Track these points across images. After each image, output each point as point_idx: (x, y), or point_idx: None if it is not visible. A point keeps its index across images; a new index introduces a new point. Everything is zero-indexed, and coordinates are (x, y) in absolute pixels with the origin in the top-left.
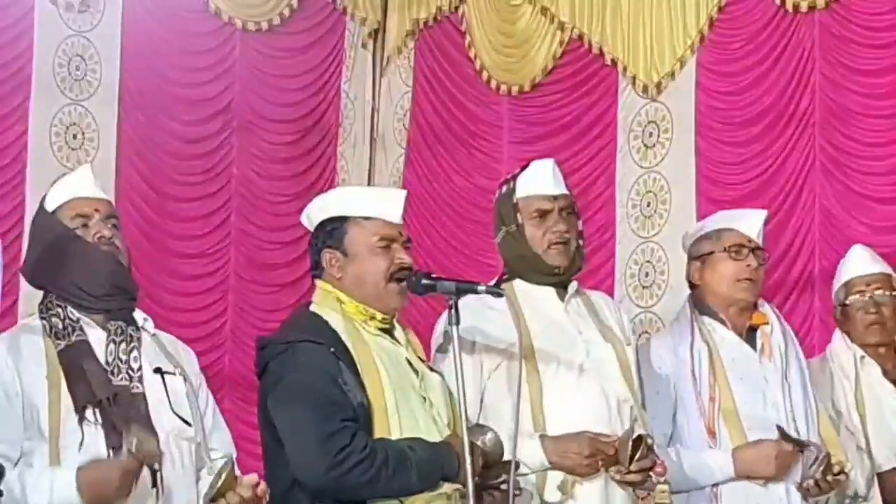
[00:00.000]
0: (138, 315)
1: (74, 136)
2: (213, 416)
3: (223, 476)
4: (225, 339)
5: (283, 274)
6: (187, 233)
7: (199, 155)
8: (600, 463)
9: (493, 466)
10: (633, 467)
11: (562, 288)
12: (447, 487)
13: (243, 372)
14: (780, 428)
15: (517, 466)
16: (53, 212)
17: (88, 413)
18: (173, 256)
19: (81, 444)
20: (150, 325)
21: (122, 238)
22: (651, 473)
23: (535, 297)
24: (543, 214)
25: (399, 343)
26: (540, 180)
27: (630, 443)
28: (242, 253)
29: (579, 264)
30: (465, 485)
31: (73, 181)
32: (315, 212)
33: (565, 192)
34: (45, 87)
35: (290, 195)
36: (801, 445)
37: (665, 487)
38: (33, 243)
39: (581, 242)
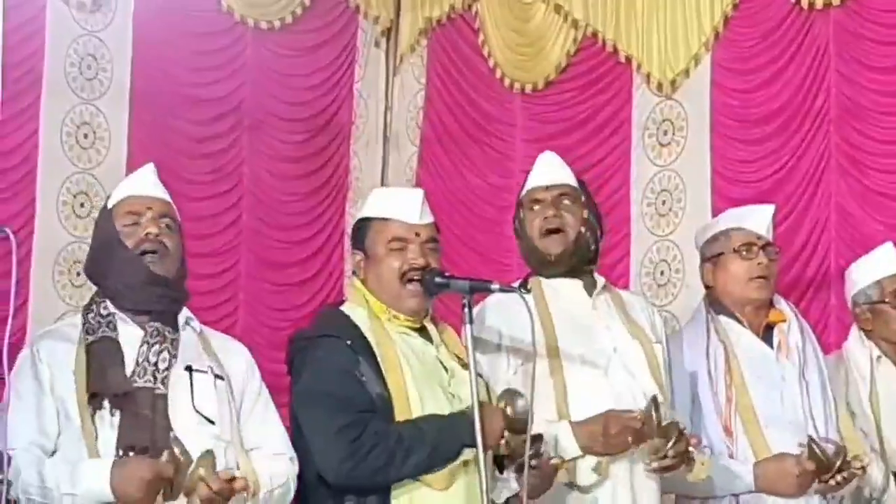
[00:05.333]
0: (183, 314)
1: (85, 136)
2: (263, 413)
3: (199, 470)
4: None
5: (295, 273)
6: (198, 232)
7: (211, 154)
8: (630, 439)
9: (522, 432)
10: (669, 452)
11: (589, 283)
12: (469, 454)
13: None
14: (810, 441)
15: (539, 444)
16: (111, 209)
17: (101, 409)
18: None
19: (97, 439)
20: (195, 323)
21: (174, 237)
22: (689, 449)
23: (561, 292)
24: (537, 203)
25: (431, 342)
26: (536, 174)
27: (654, 412)
28: (253, 252)
29: (584, 253)
30: (486, 450)
31: (132, 179)
32: (357, 212)
33: (562, 181)
34: (57, 87)
35: (302, 194)
36: (826, 459)
37: (704, 459)
38: (93, 238)
39: (584, 230)
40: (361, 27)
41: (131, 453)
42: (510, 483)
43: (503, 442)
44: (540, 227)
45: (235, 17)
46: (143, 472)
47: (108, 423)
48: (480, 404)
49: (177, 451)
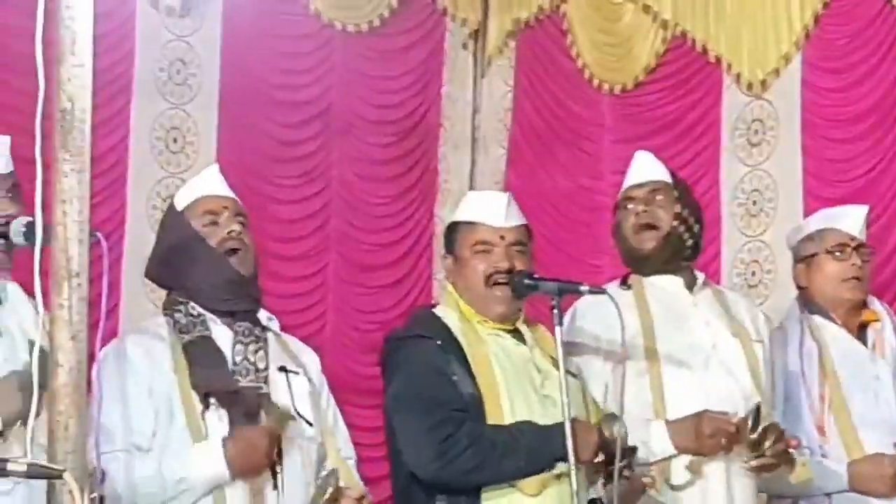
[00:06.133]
0: (263, 315)
1: (175, 140)
2: (334, 417)
3: (328, 491)
4: (325, 342)
5: (383, 276)
6: (286, 235)
7: (299, 158)
8: (724, 441)
9: (617, 455)
10: (767, 452)
11: (689, 279)
12: (562, 467)
13: (343, 374)
14: None
15: (632, 458)
16: (182, 211)
17: (211, 407)
18: (272, 259)
19: (206, 436)
20: (275, 324)
21: (250, 237)
22: (789, 450)
23: (662, 288)
24: (631, 201)
25: (524, 343)
26: (630, 173)
27: (751, 421)
28: (342, 255)
29: (678, 248)
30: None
31: (201, 180)
32: (446, 215)
33: (654, 178)
34: (146, 92)
35: (390, 197)
36: None
37: (805, 460)
38: (161, 242)
39: (676, 224)
40: (449, 30)
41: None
42: (598, 491)
43: (596, 460)
44: (633, 224)
45: (323, 21)
46: (259, 440)
47: (218, 422)
48: (577, 421)
49: (270, 406)
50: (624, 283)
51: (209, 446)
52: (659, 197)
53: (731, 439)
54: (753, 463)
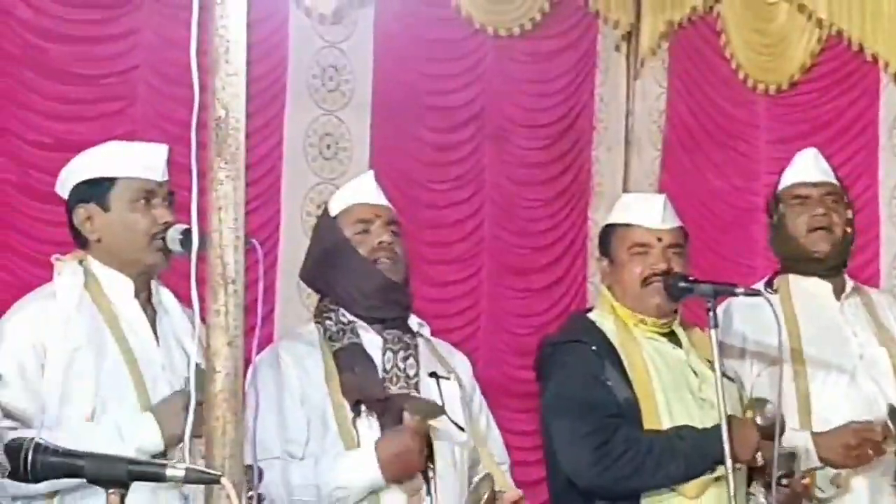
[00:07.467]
0: (413, 321)
1: (328, 147)
2: (486, 421)
3: (485, 495)
4: (478, 346)
5: (536, 279)
6: (439, 239)
7: (451, 162)
8: (869, 451)
9: (772, 438)
10: None
11: (839, 285)
12: (721, 470)
13: (498, 378)
14: None
15: (792, 463)
16: (335, 217)
17: (363, 414)
18: (424, 263)
19: (358, 444)
20: (426, 330)
21: (402, 245)
22: None
23: (809, 293)
24: (803, 200)
25: (680, 346)
26: (800, 169)
27: (891, 422)
28: (495, 258)
29: (845, 253)
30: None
31: (356, 187)
32: (600, 218)
33: (828, 179)
34: (299, 99)
35: (543, 200)
36: None
37: None
38: (314, 246)
39: (849, 231)
40: (601, 32)
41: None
42: (758, 498)
43: (757, 455)
44: (808, 224)
45: (475, 25)
46: (410, 443)
47: (369, 429)
48: (732, 418)
49: (415, 403)
50: (769, 285)
51: (362, 453)
52: (831, 199)
53: (876, 447)
54: None
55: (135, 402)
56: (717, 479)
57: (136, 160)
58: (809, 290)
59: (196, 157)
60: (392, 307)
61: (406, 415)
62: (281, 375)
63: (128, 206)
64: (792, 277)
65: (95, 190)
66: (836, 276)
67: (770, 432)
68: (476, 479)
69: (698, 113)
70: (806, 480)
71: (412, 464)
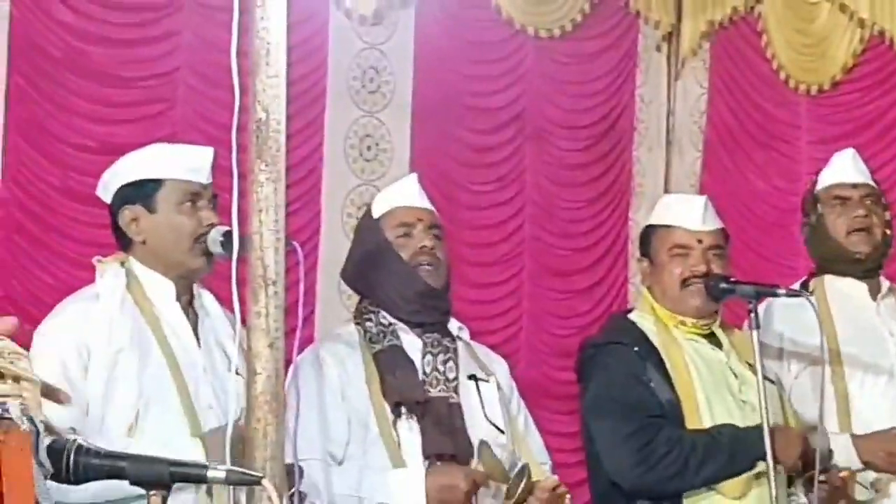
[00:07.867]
0: (453, 324)
1: (368, 148)
2: (525, 423)
3: (522, 482)
4: (520, 347)
5: (578, 280)
6: (480, 241)
7: (492, 163)
8: None
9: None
10: None
11: (874, 286)
12: (762, 466)
13: (539, 379)
14: None
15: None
16: (378, 219)
17: (402, 416)
18: (465, 265)
19: (399, 447)
20: (465, 333)
21: (444, 249)
22: None
23: (845, 294)
24: (843, 201)
25: (720, 348)
26: (839, 169)
27: None
28: (536, 260)
29: (884, 255)
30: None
31: (398, 189)
32: (641, 219)
33: (866, 180)
34: (340, 100)
35: (585, 201)
36: None
37: None
38: (355, 247)
39: (889, 232)
40: (642, 32)
41: (438, 462)
42: (799, 498)
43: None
44: (848, 226)
45: (516, 26)
46: (460, 482)
47: (409, 432)
48: (778, 427)
49: (485, 456)
50: (804, 286)
51: (411, 475)
52: (870, 200)
53: None
54: None
55: (178, 405)
56: (759, 476)
57: (182, 162)
58: (845, 291)
59: (237, 160)
60: (431, 313)
61: (476, 458)
62: (322, 375)
63: (174, 208)
64: (828, 278)
65: (141, 192)
66: (873, 277)
67: (812, 456)
68: (515, 470)
69: (739, 113)
70: (843, 473)
71: (456, 501)
